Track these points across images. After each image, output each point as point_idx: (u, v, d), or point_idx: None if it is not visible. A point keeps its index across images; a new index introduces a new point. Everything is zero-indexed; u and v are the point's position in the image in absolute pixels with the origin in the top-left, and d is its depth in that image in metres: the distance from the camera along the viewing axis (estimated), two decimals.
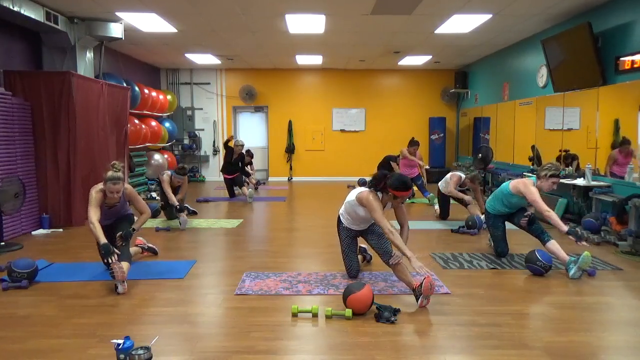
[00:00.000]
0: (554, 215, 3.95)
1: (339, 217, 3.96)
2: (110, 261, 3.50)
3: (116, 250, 3.65)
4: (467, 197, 6.04)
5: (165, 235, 5.49)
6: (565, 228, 3.88)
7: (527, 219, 4.23)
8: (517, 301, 3.31)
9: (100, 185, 3.85)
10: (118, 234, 3.84)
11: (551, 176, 4.03)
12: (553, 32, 6.81)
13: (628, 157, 5.35)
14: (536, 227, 4.20)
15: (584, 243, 3.92)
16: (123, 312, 3.11)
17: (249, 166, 9.27)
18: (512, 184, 4.25)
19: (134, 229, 3.91)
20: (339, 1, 5.81)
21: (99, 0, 5.72)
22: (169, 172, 6.14)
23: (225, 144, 8.54)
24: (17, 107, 5.50)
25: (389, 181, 3.47)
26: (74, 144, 5.89)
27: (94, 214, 3.74)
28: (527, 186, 4.09)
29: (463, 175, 6.11)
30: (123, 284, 3.45)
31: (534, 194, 4.03)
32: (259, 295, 3.43)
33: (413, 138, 8.30)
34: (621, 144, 5.44)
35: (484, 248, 4.81)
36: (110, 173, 3.75)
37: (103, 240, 3.61)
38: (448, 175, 6.29)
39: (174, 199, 5.89)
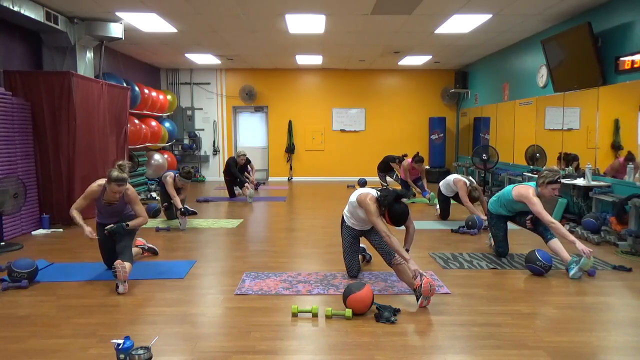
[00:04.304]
0: (560, 227, 3.87)
1: (342, 216, 3.96)
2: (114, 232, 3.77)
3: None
4: (478, 212, 5.77)
5: (165, 235, 5.49)
6: (572, 238, 3.82)
7: (530, 220, 4.20)
8: (517, 301, 3.31)
9: (102, 181, 3.86)
10: (107, 227, 3.79)
11: (549, 183, 3.96)
12: (553, 32, 6.81)
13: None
14: (539, 224, 4.19)
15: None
16: (123, 312, 3.11)
17: (247, 166, 9.31)
18: (515, 192, 4.17)
19: (127, 225, 3.83)
20: (339, 1, 5.81)
21: (99, 0, 5.73)
22: (171, 174, 6.10)
23: (234, 165, 8.52)
24: (17, 107, 5.51)
25: (393, 207, 3.44)
26: (74, 144, 5.90)
27: (76, 205, 3.85)
28: (530, 198, 3.99)
29: (467, 181, 5.95)
30: (124, 284, 3.45)
31: (537, 206, 3.94)
32: (259, 295, 3.43)
33: (418, 153, 7.80)
34: (626, 159, 5.35)
35: (484, 248, 4.81)
36: (116, 173, 3.72)
37: (85, 226, 3.80)
38: (451, 179, 6.15)
39: (179, 202, 5.86)
